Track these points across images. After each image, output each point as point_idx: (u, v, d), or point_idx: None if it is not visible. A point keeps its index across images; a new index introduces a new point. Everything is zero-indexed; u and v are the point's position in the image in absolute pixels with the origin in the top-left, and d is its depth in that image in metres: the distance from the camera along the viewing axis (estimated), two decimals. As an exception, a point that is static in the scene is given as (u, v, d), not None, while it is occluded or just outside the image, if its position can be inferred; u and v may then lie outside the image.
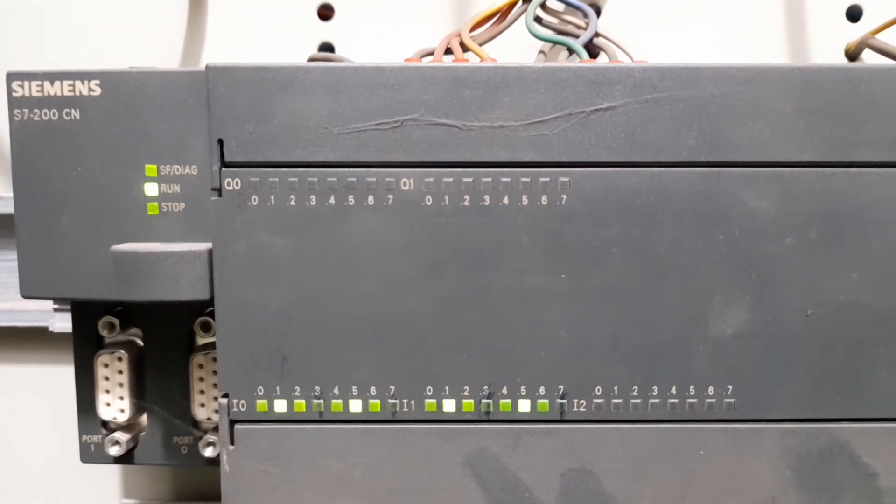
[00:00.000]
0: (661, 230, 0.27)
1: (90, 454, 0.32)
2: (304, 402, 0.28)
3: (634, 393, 0.28)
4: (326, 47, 0.38)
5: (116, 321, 0.31)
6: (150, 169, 0.28)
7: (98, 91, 0.28)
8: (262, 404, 0.28)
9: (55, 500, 0.40)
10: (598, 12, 0.37)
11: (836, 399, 0.28)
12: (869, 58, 0.37)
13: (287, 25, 0.38)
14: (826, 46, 0.38)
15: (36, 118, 0.28)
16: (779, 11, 0.38)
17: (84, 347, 0.32)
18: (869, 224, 0.27)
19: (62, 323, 0.36)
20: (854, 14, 0.38)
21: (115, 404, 0.31)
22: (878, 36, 0.35)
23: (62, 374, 0.38)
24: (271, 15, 0.38)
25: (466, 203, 0.27)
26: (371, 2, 0.38)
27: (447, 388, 0.28)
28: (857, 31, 0.38)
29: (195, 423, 0.32)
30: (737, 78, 0.27)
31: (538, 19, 0.34)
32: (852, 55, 0.37)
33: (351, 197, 0.27)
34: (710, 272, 0.27)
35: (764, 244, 0.27)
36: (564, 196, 0.27)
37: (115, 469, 0.40)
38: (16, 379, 0.39)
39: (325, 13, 0.38)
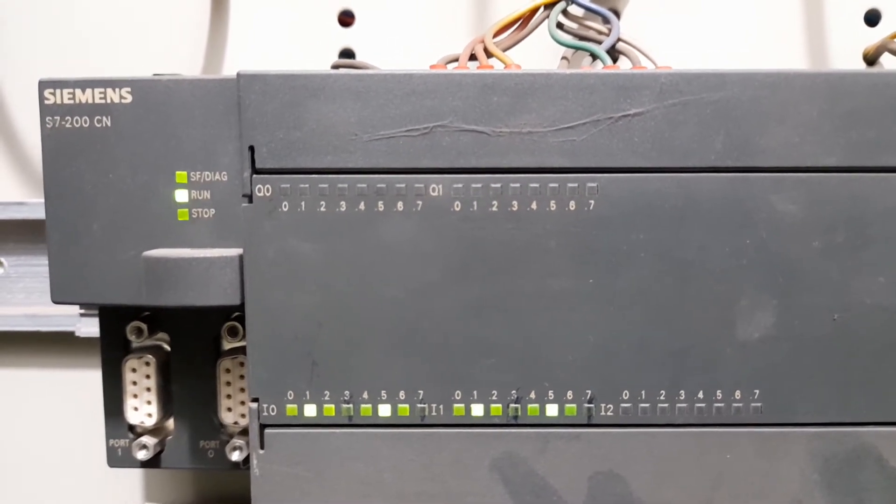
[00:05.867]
0: (688, 235, 0.27)
1: (117, 458, 0.32)
2: (333, 406, 0.28)
3: (661, 397, 0.28)
4: (347, 53, 0.39)
5: (144, 326, 0.31)
6: (181, 175, 0.28)
7: (129, 98, 0.28)
8: (291, 409, 0.28)
9: (79, 504, 0.40)
10: (618, 17, 0.37)
11: (862, 403, 0.28)
12: (888, 62, 0.37)
13: (308, 32, 0.38)
14: (844, 51, 0.38)
15: (67, 125, 0.28)
16: (797, 16, 0.38)
17: (112, 352, 0.32)
18: (895, 227, 0.27)
19: (88, 328, 0.37)
20: (872, 18, 0.38)
21: (142, 409, 0.32)
22: (897, 40, 0.35)
23: (88, 379, 0.39)
24: (292, 22, 0.38)
25: (495, 209, 0.27)
26: (391, 8, 0.38)
27: (475, 392, 0.28)
28: (875, 36, 0.38)
29: (222, 428, 0.32)
30: (763, 83, 0.27)
31: (560, 25, 0.34)
32: (871, 59, 0.37)
33: (380, 203, 0.27)
34: (737, 276, 0.28)
35: (791, 248, 0.27)
36: (592, 201, 0.27)
37: (138, 473, 0.40)
38: (42, 384, 0.40)
39: (346, 20, 0.39)
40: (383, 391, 0.28)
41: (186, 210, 0.28)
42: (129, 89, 0.28)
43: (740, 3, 0.38)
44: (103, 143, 0.28)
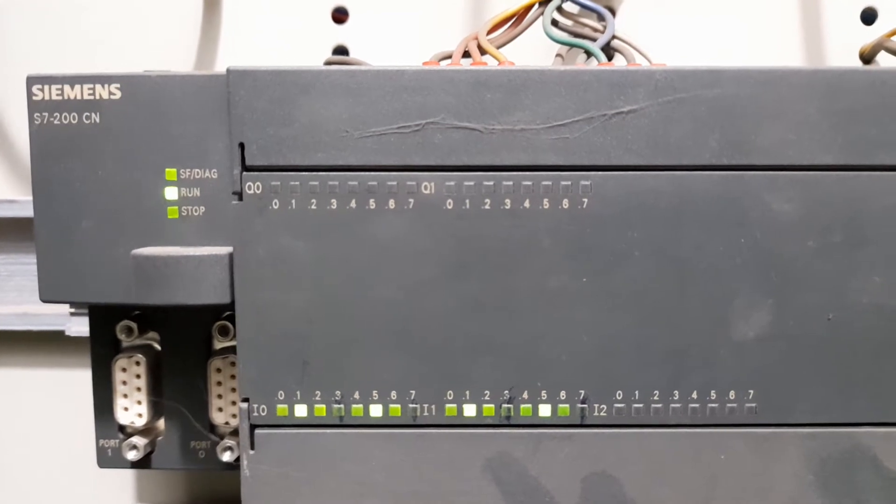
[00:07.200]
0: (683, 233, 0.27)
1: (107, 459, 0.32)
2: (324, 406, 0.28)
3: (655, 397, 0.28)
4: (341, 50, 0.38)
5: (134, 325, 0.31)
6: (171, 173, 0.28)
7: (118, 95, 0.28)
8: (282, 409, 0.28)
9: (69, 505, 0.40)
10: (613, 14, 0.37)
11: (858, 403, 0.28)
12: (884, 60, 0.37)
13: (301, 29, 0.38)
14: (841, 49, 0.38)
15: (56, 122, 0.28)
16: (794, 14, 0.38)
17: (101, 351, 0.32)
18: (892, 226, 0.27)
19: (78, 327, 0.36)
20: (869, 17, 0.38)
21: (132, 408, 0.31)
22: (893, 38, 0.35)
23: (78, 379, 0.38)
24: (285, 18, 0.38)
25: (487, 206, 0.27)
26: (385, 5, 0.38)
27: (468, 392, 0.28)
28: (871, 34, 0.37)
29: (213, 428, 0.32)
30: (759, 80, 0.27)
31: (555, 22, 0.34)
32: (867, 58, 0.37)
33: (372, 200, 0.27)
34: (732, 275, 0.27)
35: (786, 247, 0.27)
36: (586, 199, 0.27)
37: (129, 474, 0.40)
38: (32, 383, 0.39)
39: (340, 17, 0.38)
40: (375, 391, 0.28)
41: (176, 208, 0.28)
42: (118, 85, 0.28)
43: (736, 1, 0.38)
44: (92, 140, 0.28)
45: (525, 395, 0.28)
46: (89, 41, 0.38)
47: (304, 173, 0.27)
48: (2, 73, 0.38)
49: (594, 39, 0.33)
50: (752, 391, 0.28)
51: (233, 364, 0.31)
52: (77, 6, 0.38)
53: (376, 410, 0.28)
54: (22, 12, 0.38)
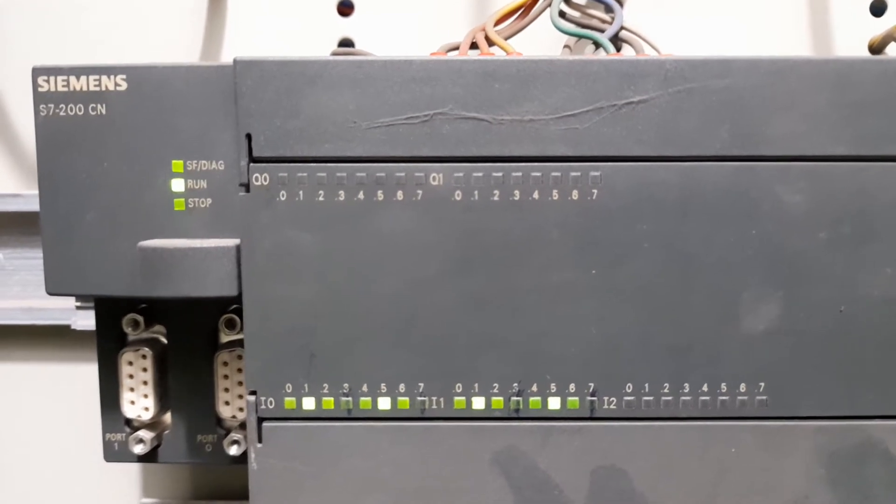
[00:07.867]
0: (692, 225, 0.27)
1: (114, 452, 0.32)
2: (332, 399, 0.28)
3: (665, 390, 0.28)
4: (346, 43, 0.38)
5: (141, 318, 0.31)
6: (177, 164, 0.28)
7: (124, 86, 0.27)
8: (290, 402, 0.28)
9: (75, 500, 0.40)
10: (621, 5, 0.37)
11: (869, 396, 0.28)
12: (893, 52, 0.37)
13: (307, 21, 0.38)
14: (850, 41, 0.38)
15: (62, 113, 0.28)
16: (803, 6, 0.38)
17: (108, 345, 0.32)
18: (903, 218, 0.27)
19: (84, 321, 0.36)
20: (878, 9, 0.38)
21: (139, 402, 0.31)
22: (903, 30, 0.35)
23: (84, 373, 0.38)
24: (291, 11, 0.38)
25: (496, 198, 0.27)
26: (390, -2, 0.38)
27: (476, 385, 0.28)
28: (880, 26, 0.37)
29: (219, 422, 0.32)
30: (769, 70, 0.27)
31: (562, 13, 0.33)
32: (876, 49, 0.37)
33: (380, 192, 0.27)
34: (743, 267, 0.27)
35: (797, 239, 0.27)
36: (595, 191, 0.27)
37: (135, 468, 0.40)
38: (38, 378, 0.39)
39: (345, 10, 0.38)
40: (383, 384, 0.28)
41: (183, 200, 0.28)
42: (124, 76, 0.27)
43: (745, -8, 0.38)
44: (98, 132, 0.28)
45: (534, 388, 0.28)
46: (93, 38, 0.38)
47: (311, 164, 0.27)
48: (6, 70, 0.38)
49: (602, 31, 0.32)
50: (762, 384, 0.28)
51: (240, 357, 0.31)
52: (81, 2, 0.38)
53: (384, 403, 0.28)
54: (27, 5, 0.38)
